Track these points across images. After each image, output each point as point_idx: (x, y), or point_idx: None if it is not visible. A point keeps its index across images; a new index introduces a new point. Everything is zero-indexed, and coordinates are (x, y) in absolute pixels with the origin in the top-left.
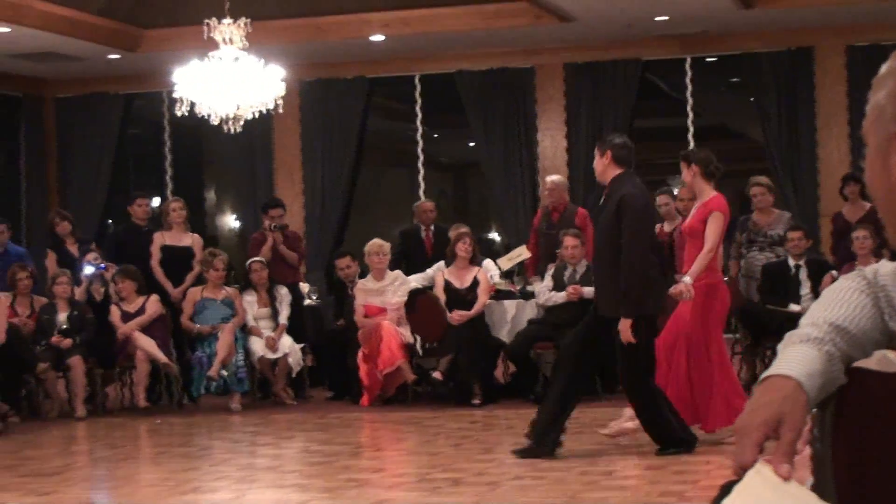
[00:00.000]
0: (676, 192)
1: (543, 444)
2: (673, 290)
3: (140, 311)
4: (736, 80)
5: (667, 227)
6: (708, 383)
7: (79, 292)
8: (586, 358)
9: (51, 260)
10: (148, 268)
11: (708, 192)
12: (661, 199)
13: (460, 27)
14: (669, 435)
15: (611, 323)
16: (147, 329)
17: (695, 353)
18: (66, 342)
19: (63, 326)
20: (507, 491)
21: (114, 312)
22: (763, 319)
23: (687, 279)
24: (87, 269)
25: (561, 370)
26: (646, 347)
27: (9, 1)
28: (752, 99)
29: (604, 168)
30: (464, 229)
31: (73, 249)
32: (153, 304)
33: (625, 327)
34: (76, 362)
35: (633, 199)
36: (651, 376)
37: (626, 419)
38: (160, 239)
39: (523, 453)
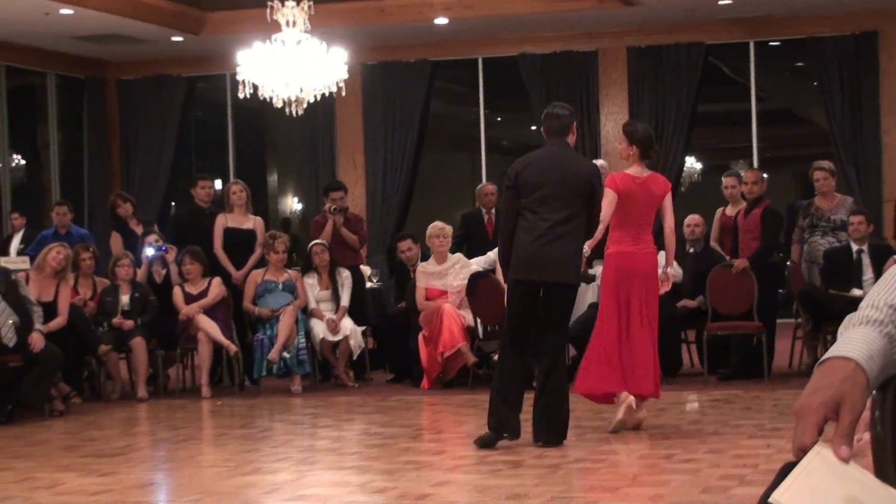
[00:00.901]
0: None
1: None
2: None
3: (203, 294)
4: (800, 64)
5: (730, 211)
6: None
7: (140, 274)
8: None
9: (115, 241)
10: (210, 250)
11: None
12: (727, 182)
13: (523, 10)
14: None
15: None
16: (209, 311)
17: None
18: (128, 323)
19: (125, 308)
20: (566, 474)
21: (177, 294)
22: (824, 304)
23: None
24: (148, 251)
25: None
26: (516, 315)
27: None
28: (815, 83)
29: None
30: None
31: (138, 231)
32: (216, 287)
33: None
34: (138, 344)
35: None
36: (514, 347)
37: (627, 410)
38: (222, 221)
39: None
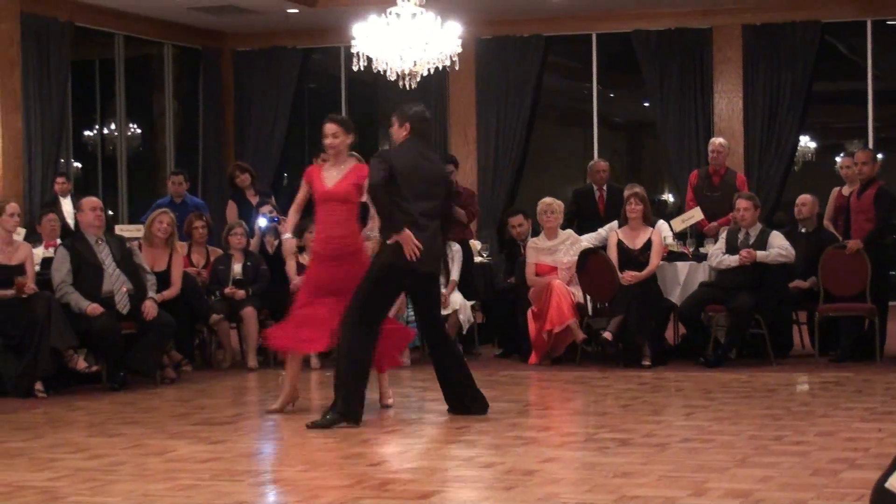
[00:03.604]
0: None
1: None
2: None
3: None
4: None
5: (846, 191)
6: None
7: (253, 244)
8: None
9: (231, 210)
10: None
11: None
12: (842, 162)
13: None
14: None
15: None
16: None
17: None
18: (240, 293)
19: (237, 277)
20: (675, 453)
21: (290, 264)
22: None
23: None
24: (262, 222)
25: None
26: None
27: None
28: None
29: (399, 139)
30: (634, 189)
31: (254, 202)
32: None
33: None
34: (249, 313)
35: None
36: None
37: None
38: None
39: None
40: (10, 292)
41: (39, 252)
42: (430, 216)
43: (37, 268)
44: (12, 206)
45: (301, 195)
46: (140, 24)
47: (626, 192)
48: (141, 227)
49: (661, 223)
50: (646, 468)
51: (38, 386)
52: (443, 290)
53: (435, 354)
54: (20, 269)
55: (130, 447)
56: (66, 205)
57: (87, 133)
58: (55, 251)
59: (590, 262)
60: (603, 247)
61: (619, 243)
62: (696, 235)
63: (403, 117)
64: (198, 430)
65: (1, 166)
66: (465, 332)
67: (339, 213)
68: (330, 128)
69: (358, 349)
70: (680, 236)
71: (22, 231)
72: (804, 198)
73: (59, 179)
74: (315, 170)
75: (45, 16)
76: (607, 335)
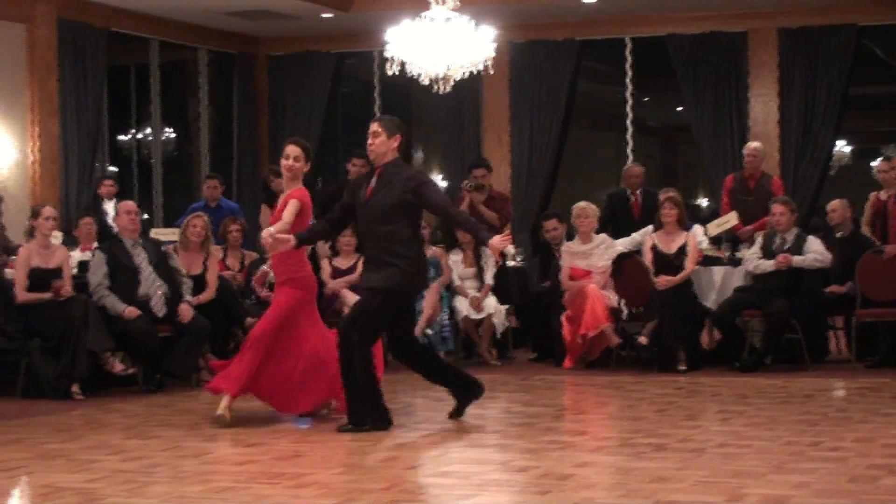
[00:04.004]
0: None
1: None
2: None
3: (351, 269)
4: None
5: (883, 195)
6: None
7: None
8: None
9: (265, 214)
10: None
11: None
12: (880, 166)
13: None
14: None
15: None
16: (355, 286)
17: None
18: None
19: (272, 281)
20: (711, 458)
21: (325, 267)
22: None
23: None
24: None
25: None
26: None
27: None
28: None
29: (387, 149)
30: (669, 194)
31: None
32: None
33: None
34: None
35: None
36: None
37: None
38: None
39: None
40: (47, 295)
41: (76, 255)
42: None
43: (74, 271)
44: (48, 210)
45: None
46: (175, 29)
47: (661, 197)
48: (176, 230)
49: (696, 227)
50: (681, 473)
51: (76, 388)
52: (476, 294)
53: (413, 362)
54: (57, 272)
55: (167, 449)
56: (111, 208)
57: (122, 137)
58: (92, 254)
59: (625, 267)
60: (638, 251)
61: (654, 248)
62: (732, 240)
63: (396, 127)
64: (234, 432)
65: (38, 171)
66: (499, 337)
67: None
68: (293, 150)
69: (368, 365)
70: (715, 241)
71: (59, 235)
72: (834, 203)
73: (107, 182)
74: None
75: (82, 21)
76: (642, 339)
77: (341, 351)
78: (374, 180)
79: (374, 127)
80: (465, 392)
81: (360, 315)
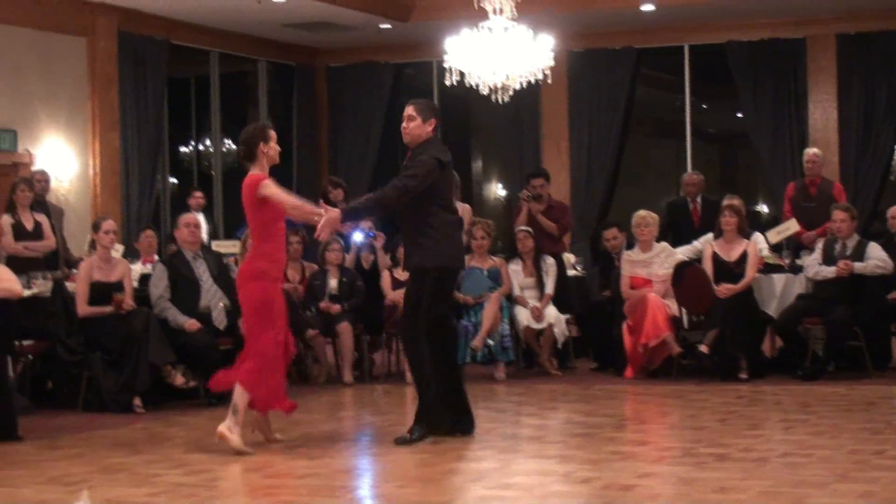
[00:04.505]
0: None
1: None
2: None
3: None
4: None
5: None
6: None
7: (349, 259)
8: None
9: None
10: None
11: None
12: None
13: None
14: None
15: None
16: None
17: None
18: (336, 308)
19: (333, 292)
20: (774, 468)
21: (385, 279)
22: None
23: None
24: (357, 237)
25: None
26: (428, 305)
27: None
28: None
29: (422, 132)
30: (732, 202)
31: None
32: None
33: None
34: (345, 328)
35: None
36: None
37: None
38: None
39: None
40: (108, 309)
41: (137, 268)
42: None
43: (135, 284)
44: (109, 223)
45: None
46: (235, 41)
47: (724, 204)
48: (237, 242)
49: (757, 235)
50: (744, 483)
51: (137, 401)
52: (536, 304)
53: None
54: (118, 285)
55: (229, 463)
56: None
57: (183, 149)
58: (153, 267)
59: (685, 275)
60: (698, 259)
61: (715, 256)
62: (795, 247)
63: (430, 111)
64: (295, 445)
65: (99, 183)
66: (559, 346)
67: None
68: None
69: (429, 360)
70: (776, 248)
71: (120, 248)
72: (894, 209)
73: (197, 194)
74: None
75: (142, 34)
76: (703, 348)
77: (408, 349)
78: (405, 163)
79: (409, 111)
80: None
81: (418, 301)
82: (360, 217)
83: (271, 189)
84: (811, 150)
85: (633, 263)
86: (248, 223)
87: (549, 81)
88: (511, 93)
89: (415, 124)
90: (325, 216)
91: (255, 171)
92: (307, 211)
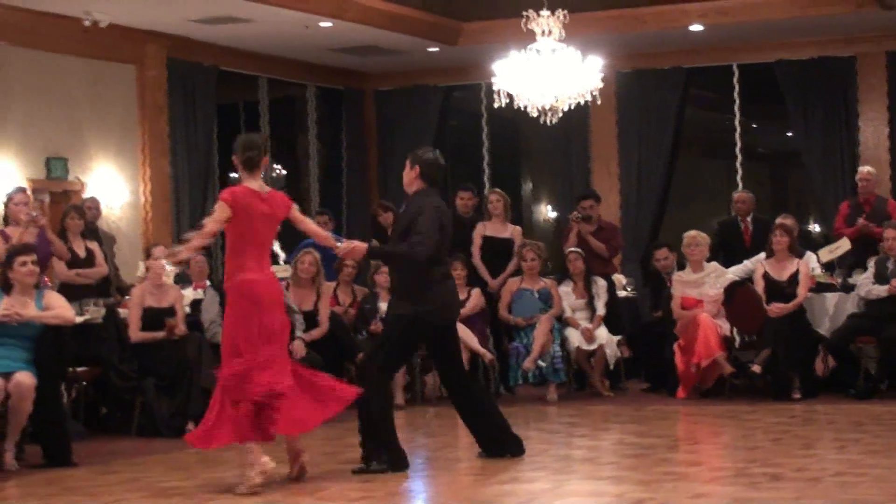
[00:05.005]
0: None
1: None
2: None
3: (462, 304)
4: None
5: None
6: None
7: None
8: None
9: None
10: (468, 259)
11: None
12: None
13: (779, 16)
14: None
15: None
16: (466, 319)
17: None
18: None
19: (384, 315)
20: (828, 487)
21: None
22: None
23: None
24: None
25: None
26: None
27: None
28: None
29: (410, 181)
30: (784, 221)
31: None
32: (475, 298)
33: None
34: None
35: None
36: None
37: None
38: (481, 230)
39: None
40: (161, 334)
41: (189, 294)
42: (448, 265)
43: (186, 309)
44: (159, 250)
45: None
46: (283, 66)
47: (776, 223)
48: (288, 267)
49: (809, 254)
50: (798, 503)
51: (190, 426)
52: (588, 325)
53: (457, 399)
54: (170, 311)
55: (282, 487)
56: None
57: (233, 175)
58: (204, 293)
59: (737, 295)
60: (749, 279)
61: (766, 275)
62: (846, 266)
63: (414, 160)
64: (347, 467)
65: (150, 210)
66: (611, 367)
67: None
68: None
69: (386, 401)
70: (828, 267)
71: (171, 274)
72: None
73: None
74: None
75: (191, 61)
76: (756, 368)
77: (361, 383)
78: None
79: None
80: (496, 447)
81: (382, 344)
82: (382, 260)
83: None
84: (864, 168)
85: (684, 284)
86: (271, 239)
87: (598, 102)
88: (560, 114)
89: (404, 171)
90: (352, 247)
91: (251, 185)
92: (321, 237)
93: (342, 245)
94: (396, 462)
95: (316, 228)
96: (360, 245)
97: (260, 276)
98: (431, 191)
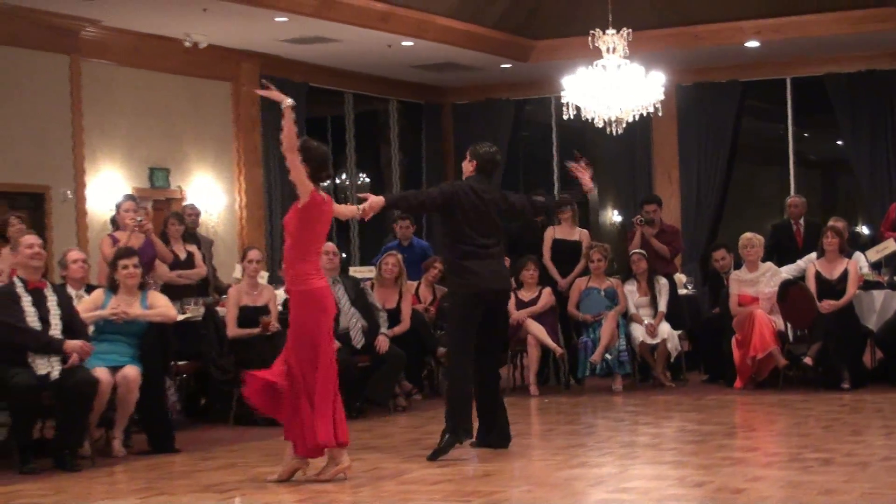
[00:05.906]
0: None
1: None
2: None
3: (533, 301)
4: None
5: None
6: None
7: None
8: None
9: None
10: (540, 259)
11: None
12: None
13: (829, 32)
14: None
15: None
16: (538, 316)
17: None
18: None
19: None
20: (876, 471)
21: (510, 299)
22: None
23: None
24: None
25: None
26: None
27: (413, 17)
28: None
29: (467, 173)
30: (835, 223)
31: None
32: (546, 297)
33: None
34: None
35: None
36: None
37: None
38: (551, 233)
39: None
40: (256, 331)
41: (281, 293)
42: (491, 247)
43: (279, 307)
44: (254, 253)
45: None
46: (368, 82)
47: (827, 225)
48: (372, 268)
49: (857, 254)
50: (848, 486)
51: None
52: (651, 321)
53: (479, 384)
54: (265, 309)
55: (368, 470)
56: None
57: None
58: None
59: (790, 293)
60: (802, 278)
61: (817, 274)
62: (892, 265)
63: (473, 154)
64: (429, 453)
65: (245, 216)
66: (673, 360)
67: None
68: None
69: (462, 381)
70: (875, 266)
71: (265, 275)
72: None
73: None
74: None
75: (283, 77)
76: (808, 360)
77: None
78: None
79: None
80: (490, 434)
81: (448, 329)
82: (396, 205)
83: None
84: None
85: (740, 282)
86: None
87: (660, 114)
88: (624, 125)
89: (464, 163)
90: (368, 203)
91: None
92: (340, 212)
93: (361, 207)
94: (456, 430)
95: (340, 207)
96: (374, 198)
97: (325, 283)
98: (480, 177)
